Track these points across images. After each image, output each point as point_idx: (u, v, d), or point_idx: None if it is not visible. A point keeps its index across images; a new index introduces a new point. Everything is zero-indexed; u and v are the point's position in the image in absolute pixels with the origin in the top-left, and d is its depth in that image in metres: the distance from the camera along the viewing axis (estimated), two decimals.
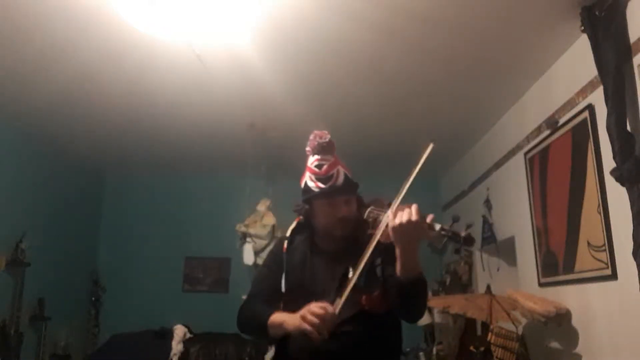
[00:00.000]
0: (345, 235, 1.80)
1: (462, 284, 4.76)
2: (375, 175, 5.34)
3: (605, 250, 2.58)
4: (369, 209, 1.78)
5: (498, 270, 4.17)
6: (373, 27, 2.74)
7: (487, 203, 4.29)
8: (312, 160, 1.86)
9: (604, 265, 2.60)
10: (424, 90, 3.56)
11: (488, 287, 3.40)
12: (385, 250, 1.67)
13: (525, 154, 3.55)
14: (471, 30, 2.80)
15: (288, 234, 1.93)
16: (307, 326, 1.58)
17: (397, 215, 1.55)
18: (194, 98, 3.67)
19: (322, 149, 1.85)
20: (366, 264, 1.66)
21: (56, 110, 3.90)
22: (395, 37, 2.85)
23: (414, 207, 1.55)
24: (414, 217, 1.52)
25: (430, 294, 5.11)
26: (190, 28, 2.66)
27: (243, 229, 5.08)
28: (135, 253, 5.62)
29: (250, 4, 2.52)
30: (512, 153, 3.82)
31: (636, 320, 2.37)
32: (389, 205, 1.66)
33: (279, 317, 1.72)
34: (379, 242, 1.64)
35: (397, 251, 1.58)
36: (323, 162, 1.83)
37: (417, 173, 1.64)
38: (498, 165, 4.11)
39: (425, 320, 4.94)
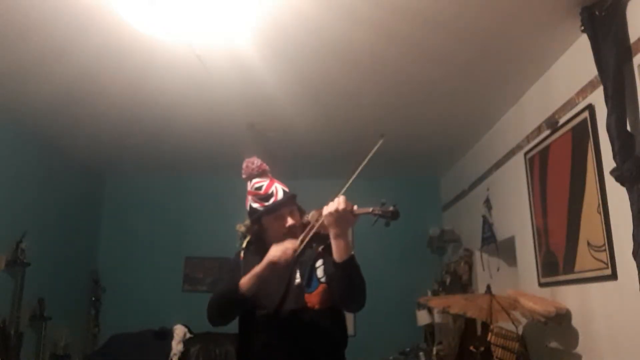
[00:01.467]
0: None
1: (462, 284, 4.76)
2: (374, 175, 5.35)
3: (605, 250, 2.58)
4: (311, 213, 2.02)
5: (498, 270, 4.17)
6: (373, 27, 2.74)
7: (487, 203, 4.29)
8: (251, 184, 2.12)
9: (604, 265, 2.60)
10: (424, 90, 3.56)
11: (488, 287, 3.40)
12: (325, 252, 1.94)
13: (525, 154, 3.55)
14: (471, 30, 2.80)
15: (244, 245, 2.20)
16: (273, 257, 1.86)
17: (329, 205, 1.81)
18: (194, 98, 3.67)
19: (258, 173, 2.13)
20: (310, 263, 1.98)
21: (56, 110, 3.90)
22: (395, 37, 2.85)
23: (341, 197, 1.81)
24: (342, 206, 1.78)
25: (430, 293, 5.12)
26: (190, 28, 2.66)
27: (243, 229, 5.07)
28: (135, 253, 5.62)
29: (250, 4, 2.52)
30: (512, 153, 3.82)
31: (636, 320, 2.37)
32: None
33: (247, 275, 1.94)
34: (319, 241, 1.94)
35: (331, 236, 1.82)
36: (261, 184, 2.09)
37: (364, 168, 1.95)
38: (498, 165, 4.11)
39: (425, 320, 4.95)
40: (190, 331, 5.00)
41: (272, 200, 2.04)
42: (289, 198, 2.07)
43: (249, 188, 2.13)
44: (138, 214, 5.76)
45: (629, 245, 2.23)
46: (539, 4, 2.58)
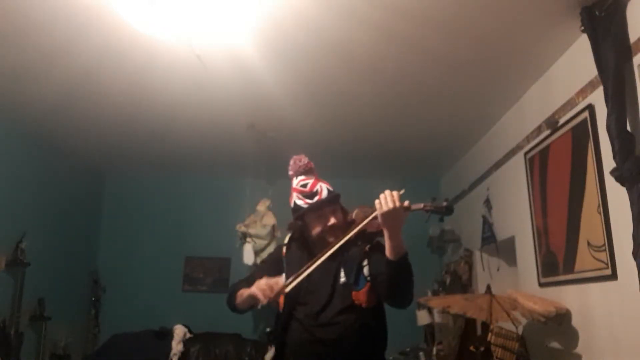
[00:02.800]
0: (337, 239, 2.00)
1: (462, 284, 4.76)
2: (375, 175, 5.35)
3: (605, 250, 2.58)
4: (356, 211, 2.06)
5: (498, 270, 4.17)
6: (373, 27, 2.74)
7: (487, 203, 4.29)
8: (297, 182, 2.13)
9: (604, 265, 2.60)
10: (424, 90, 3.56)
11: (488, 287, 3.40)
12: (370, 252, 1.99)
13: (525, 154, 3.55)
14: (471, 30, 2.80)
15: (286, 241, 2.20)
16: (255, 291, 1.87)
17: (383, 203, 1.79)
18: (194, 98, 3.67)
19: (304, 171, 2.14)
20: (354, 259, 2.01)
21: (56, 110, 3.90)
22: (395, 37, 2.85)
23: (395, 194, 1.79)
24: (397, 203, 1.77)
25: (430, 293, 5.12)
26: (190, 28, 2.66)
27: (243, 229, 5.08)
28: (135, 253, 5.63)
29: (250, 4, 2.52)
30: (512, 153, 3.82)
31: (636, 320, 2.37)
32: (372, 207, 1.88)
33: (245, 289, 1.99)
34: (364, 239, 1.99)
35: (386, 234, 1.82)
36: (307, 182, 2.10)
37: None
38: (498, 165, 4.11)
39: (425, 320, 4.95)
40: (190, 331, 5.00)
41: (316, 198, 2.06)
42: (333, 197, 2.09)
43: (293, 185, 2.14)
44: (138, 214, 5.77)
45: (629, 245, 2.23)
46: (539, 4, 2.58)
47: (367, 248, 2.02)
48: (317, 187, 2.08)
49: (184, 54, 2.94)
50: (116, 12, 2.53)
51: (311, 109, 3.88)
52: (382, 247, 1.88)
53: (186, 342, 4.88)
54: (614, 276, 2.53)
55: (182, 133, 4.40)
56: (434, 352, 4.60)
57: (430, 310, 4.85)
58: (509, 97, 3.67)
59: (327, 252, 1.91)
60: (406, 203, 1.80)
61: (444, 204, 1.80)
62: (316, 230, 2.06)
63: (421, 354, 4.70)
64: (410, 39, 2.86)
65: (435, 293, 5.13)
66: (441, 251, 5.51)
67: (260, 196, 5.21)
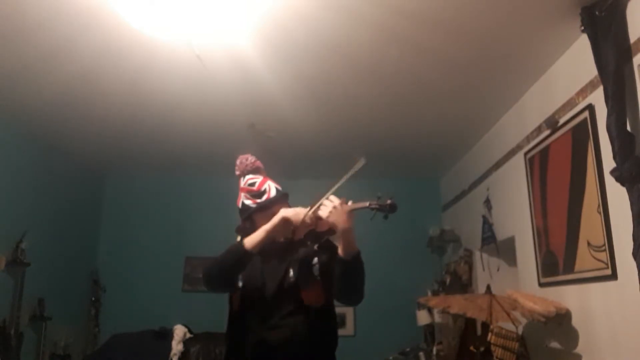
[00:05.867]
0: (286, 238, 2.00)
1: (462, 284, 4.76)
2: (374, 175, 5.35)
3: (605, 250, 2.58)
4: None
5: (498, 270, 4.18)
6: (373, 27, 2.74)
7: (487, 203, 4.29)
8: (244, 181, 2.10)
9: (604, 265, 2.60)
10: (424, 90, 3.56)
11: (488, 287, 3.40)
12: (320, 250, 1.98)
13: (525, 154, 3.55)
14: (471, 30, 2.80)
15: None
16: (286, 214, 1.89)
17: (326, 202, 1.83)
18: (194, 98, 3.67)
19: (252, 169, 2.12)
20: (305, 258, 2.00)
21: (56, 110, 3.90)
22: (395, 37, 2.85)
23: (331, 196, 1.84)
24: (337, 201, 1.81)
25: (430, 293, 5.12)
26: (190, 28, 2.66)
27: None
28: (135, 253, 5.62)
29: (250, 3, 2.52)
30: (512, 153, 3.82)
31: (636, 320, 2.37)
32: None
33: (253, 233, 1.94)
34: (314, 239, 1.99)
35: (340, 232, 1.83)
36: (255, 180, 2.09)
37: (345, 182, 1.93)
38: (498, 165, 4.11)
39: (425, 320, 4.95)
40: (190, 331, 4.99)
41: (265, 197, 2.04)
42: (282, 196, 2.07)
43: (241, 184, 2.11)
44: (138, 214, 5.76)
45: (629, 245, 2.23)
46: (539, 4, 2.58)
47: (316, 247, 2.01)
48: (266, 185, 2.07)
49: (184, 54, 2.94)
50: (116, 12, 2.53)
51: (311, 109, 3.88)
52: (332, 245, 1.88)
53: (186, 342, 4.88)
54: (614, 276, 2.53)
55: (182, 133, 4.40)
56: (434, 352, 4.60)
57: (430, 310, 4.85)
58: (509, 97, 3.67)
59: (332, 188, 1.90)
60: (349, 202, 1.82)
61: (388, 201, 1.79)
62: None
63: (421, 354, 4.70)
64: (410, 39, 2.86)
65: (435, 293, 5.13)
66: (441, 251, 5.51)
67: None
